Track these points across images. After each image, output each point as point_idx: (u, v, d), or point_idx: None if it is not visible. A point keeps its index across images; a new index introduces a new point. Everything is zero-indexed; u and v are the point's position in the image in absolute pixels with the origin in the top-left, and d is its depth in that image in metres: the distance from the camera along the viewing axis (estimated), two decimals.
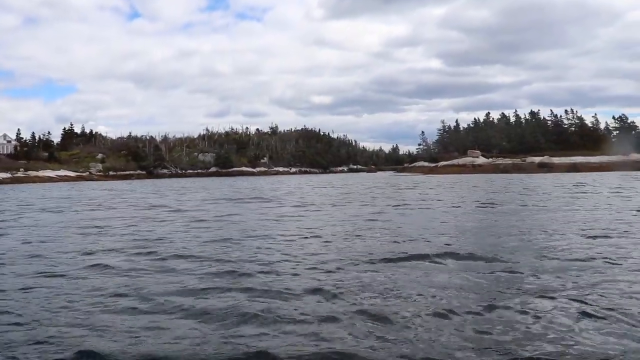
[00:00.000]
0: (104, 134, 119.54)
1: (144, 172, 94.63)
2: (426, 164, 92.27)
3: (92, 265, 6.95)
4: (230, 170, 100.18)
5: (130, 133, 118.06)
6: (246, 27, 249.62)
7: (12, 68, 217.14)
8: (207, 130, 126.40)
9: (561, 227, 10.25)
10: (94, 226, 12.39)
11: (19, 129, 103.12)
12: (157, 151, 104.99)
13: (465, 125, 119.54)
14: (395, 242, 8.73)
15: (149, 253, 7.95)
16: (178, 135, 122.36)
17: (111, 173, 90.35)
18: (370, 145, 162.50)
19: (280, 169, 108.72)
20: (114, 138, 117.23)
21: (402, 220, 12.33)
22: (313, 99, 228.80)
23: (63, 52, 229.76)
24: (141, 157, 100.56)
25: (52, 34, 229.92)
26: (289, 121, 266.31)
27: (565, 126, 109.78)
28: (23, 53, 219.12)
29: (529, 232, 9.66)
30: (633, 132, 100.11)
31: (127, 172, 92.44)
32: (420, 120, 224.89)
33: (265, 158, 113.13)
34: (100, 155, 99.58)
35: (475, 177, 49.62)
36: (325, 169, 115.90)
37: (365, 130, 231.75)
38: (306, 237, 9.53)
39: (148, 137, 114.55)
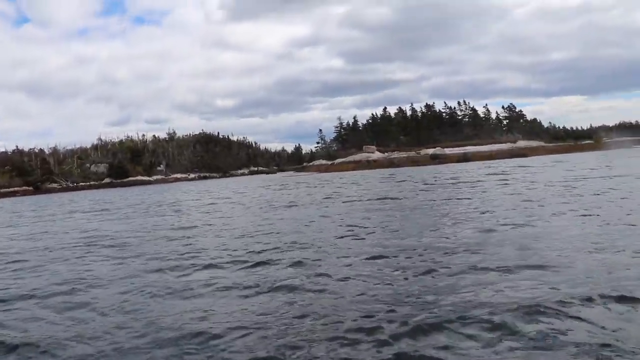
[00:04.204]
0: None
1: (30, 188, 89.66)
2: (324, 162, 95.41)
3: None
4: (125, 180, 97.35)
5: (16, 147, 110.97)
6: (144, 31, 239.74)
7: None
8: (100, 140, 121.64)
9: (399, 218, 11.23)
10: None
11: None
12: (44, 164, 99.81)
13: (365, 122, 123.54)
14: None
15: None
16: (70, 147, 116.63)
17: None
18: (274, 146, 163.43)
19: (179, 175, 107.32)
20: None
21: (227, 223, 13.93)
22: (217, 102, 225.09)
23: None
24: (27, 172, 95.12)
25: None
26: (192, 126, 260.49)
27: (459, 117, 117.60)
28: None
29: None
30: (521, 120, 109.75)
31: (12, 189, 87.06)
32: (325, 119, 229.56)
33: (161, 165, 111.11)
34: None
35: (363, 173, 51.55)
36: (225, 172, 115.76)
37: (270, 131, 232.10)
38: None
39: (36, 150, 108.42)
